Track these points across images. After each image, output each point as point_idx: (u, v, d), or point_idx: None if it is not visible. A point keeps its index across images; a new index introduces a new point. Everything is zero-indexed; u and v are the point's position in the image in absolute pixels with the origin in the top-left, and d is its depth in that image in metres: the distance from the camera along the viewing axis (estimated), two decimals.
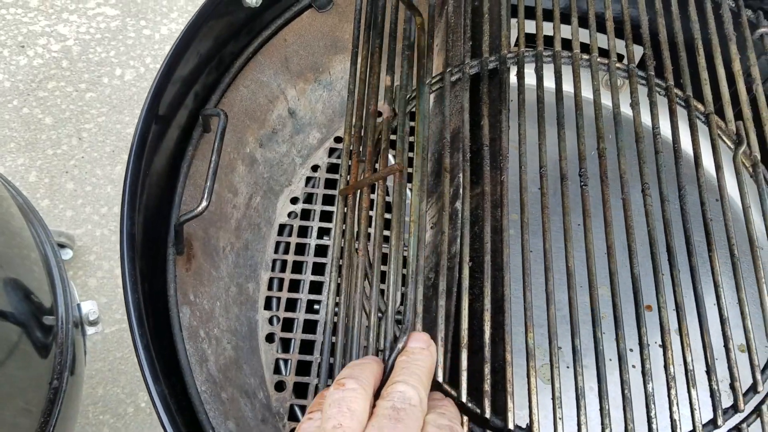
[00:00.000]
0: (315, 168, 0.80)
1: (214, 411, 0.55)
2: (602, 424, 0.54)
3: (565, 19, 0.74)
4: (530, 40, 0.73)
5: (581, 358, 0.56)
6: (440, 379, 0.54)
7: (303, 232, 0.78)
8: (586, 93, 0.74)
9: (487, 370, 0.54)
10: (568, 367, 0.69)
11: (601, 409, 0.54)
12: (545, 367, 0.68)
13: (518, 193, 0.63)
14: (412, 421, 0.40)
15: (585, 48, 0.73)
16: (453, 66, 0.70)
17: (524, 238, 0.61)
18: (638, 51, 0.74)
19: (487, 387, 0.54)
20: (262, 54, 0.71)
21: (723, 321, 0.59)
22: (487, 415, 0.53)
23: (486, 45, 0.71)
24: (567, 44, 0.73)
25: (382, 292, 0.59)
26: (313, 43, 0.74)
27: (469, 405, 0.54)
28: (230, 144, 0.68)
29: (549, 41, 0.74)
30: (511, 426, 0.53)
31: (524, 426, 0.54)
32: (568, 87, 0.71)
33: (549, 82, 0.70)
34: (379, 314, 0.58)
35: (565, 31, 0.74)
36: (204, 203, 0.54)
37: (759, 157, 0.68)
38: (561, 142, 0.66)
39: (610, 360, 0.56)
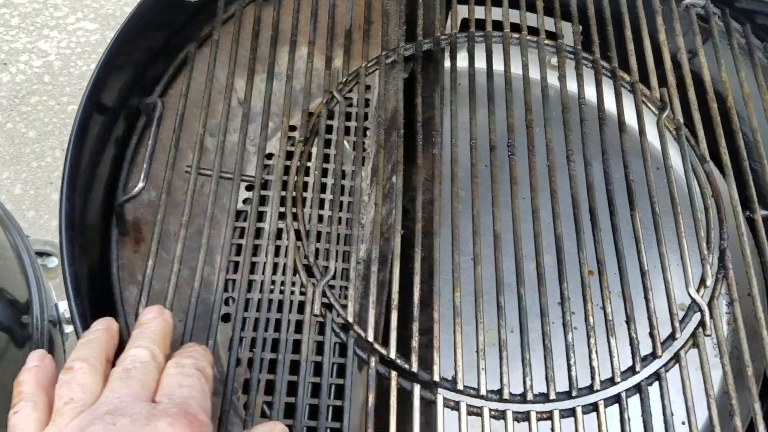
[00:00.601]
0: (270, 156, 0.83)
1: None
2: (524, 373, 0.57)
3: (498, 2, 0.77)
4: (466, 24, 0.77)
5: (505, 314, 0.59)
6: (371, 338, 0.57)
7: (260, 217, 0.81)
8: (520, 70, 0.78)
9: (414, 328, 0.58)
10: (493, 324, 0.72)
11: (523, 359, 0.57)
12: (473, 324, 0.70)
13: (450, 166, 0.66)
14: (143, 375, 0.41)
15: (517, 28, 0.76)
16: (388, 49, 0.74)
17: (453, 205, 0.64)
18: (568, 27, 0.77)
19: (414, 344, 0.57)
20: (207, 46, 0.75)
21: (643, 274, 0.62)
22: (414, 369, 0.56)
23: (420, 29, 0.75)
24: (499, 26, 0.76)
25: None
26: (260, 34, 0.77)
27: (398, 361, 0.57)
28: (181, 133, 0.72)
29: (483, 24, 0.77)
30: (436, 378, 0.56)
31: (449, 378, 0.57)
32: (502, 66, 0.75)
33: (483, 63, 0.73)
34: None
35: (499, 13, 0.78)
36: (140, 185, 0.58)
37: (682, 121, 0.71)
38: (491, 115, 0.70)
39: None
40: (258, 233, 0.67)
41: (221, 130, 0.67)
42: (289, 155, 0.68)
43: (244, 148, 0.67)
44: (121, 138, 0.67)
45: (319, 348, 0.60)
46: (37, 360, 0.44)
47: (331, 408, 0.59)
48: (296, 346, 0.59)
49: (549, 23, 0.77)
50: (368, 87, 0.75)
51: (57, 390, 0.41)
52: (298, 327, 0.60)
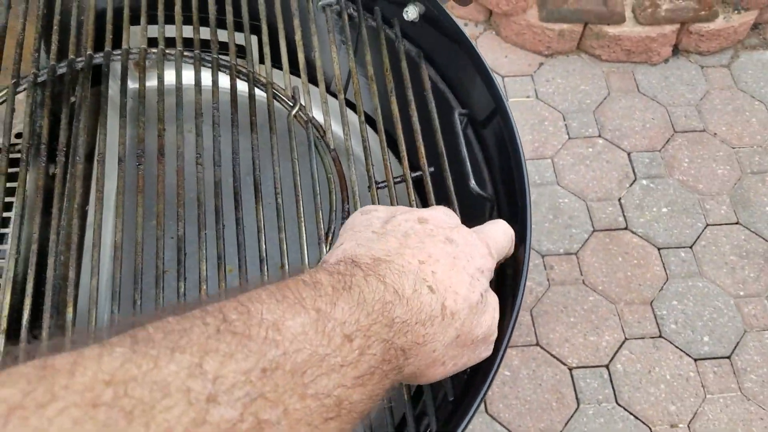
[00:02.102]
0: None
1: None
2: None
3: (137, 21, 0.79)
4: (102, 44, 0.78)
5: (117, 320, 0.60)
6: None
7: None
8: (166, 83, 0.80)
9: (21, 351, 0.58)
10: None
11: None
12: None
13: (74, 183, 0.67)
14: None
15: (170, 43, 0.79)
16: (21, 77, 0.74)
17: (73, 221, 0.65)
18: (221, 36, 0.81)
19: None
20: None
21: (261, 260, 0.65)
22: None
23: (53, 54, 0.75)
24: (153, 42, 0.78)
25: None
26: None
27: None
28: None
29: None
30: None
31: None
32: (152, 81, 0.77)
33: (131, 81, 0.75)
34: None
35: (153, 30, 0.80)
36: None
37: (312, 115, 0.76)
38: (120, 129, 0.71)
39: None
40: None
41: None
42: None
43: None
44: None
45: None
46: None
47: None
48: None
49: (189, 32, 0.80)
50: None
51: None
52: None
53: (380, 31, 0.80)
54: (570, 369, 1.69)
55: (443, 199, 0.66)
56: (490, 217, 0.66)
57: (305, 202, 0.69)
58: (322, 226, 0.68)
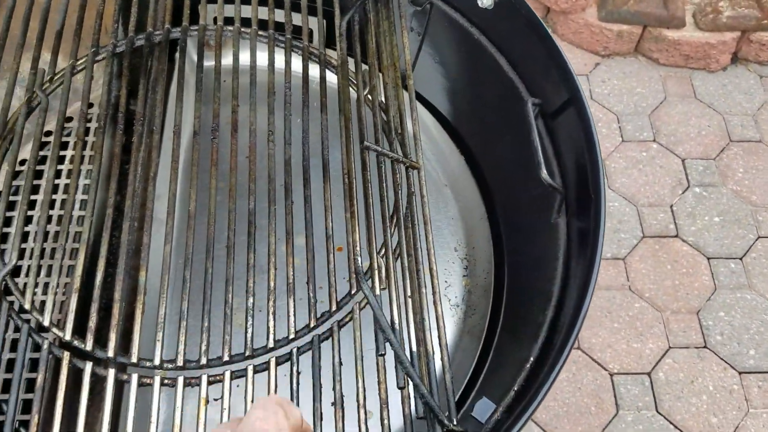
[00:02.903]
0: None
1: None
2: (201, 339, 0.60)
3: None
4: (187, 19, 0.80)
5: (189, 287, 0.62)
6: (46, 323, 0.59)
7: None
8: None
9: (93, 309, 0.60)
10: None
11: (202, 327, 0.60)
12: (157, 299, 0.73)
13: (148, 152, 0.69)
14: None
15: (245, 22, 0.80)
16: (99, 47, 0.76)
17: (148, 189, 0.67)
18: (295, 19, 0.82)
19: (91, 324, 0.59)
20: None
21: (327, 238, 0.66)
22: (89, 348, 0.58)
23: (132, 26, 0.77)
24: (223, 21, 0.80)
25: None
26: None
27: (75, 342, 0.59)
28: None
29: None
30: (111, 354, 0.58)
31: (128, 353, 0.59)
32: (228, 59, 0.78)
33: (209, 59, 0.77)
34: None
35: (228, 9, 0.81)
36: None
37: (380, 99, 0.76)
38: (196, 103, 0.73)
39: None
40: None
41: None
42: None
43: None
44: None
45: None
46: None
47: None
48: None
49: (276, 15, 0.81)
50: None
51: None
52: None
53: (451, 17, 0.80)
54: (611, 374, 1.67)
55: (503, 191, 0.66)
56: (558, 211, 0.65)
57: (372, 184, 0.70)
58: (387, 209, 0.69)
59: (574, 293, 0.58)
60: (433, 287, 0.63)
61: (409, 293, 0.62)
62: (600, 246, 0.57)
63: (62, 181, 0.83)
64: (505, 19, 0.73)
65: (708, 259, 1.88)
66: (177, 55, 0.76)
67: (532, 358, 0.60)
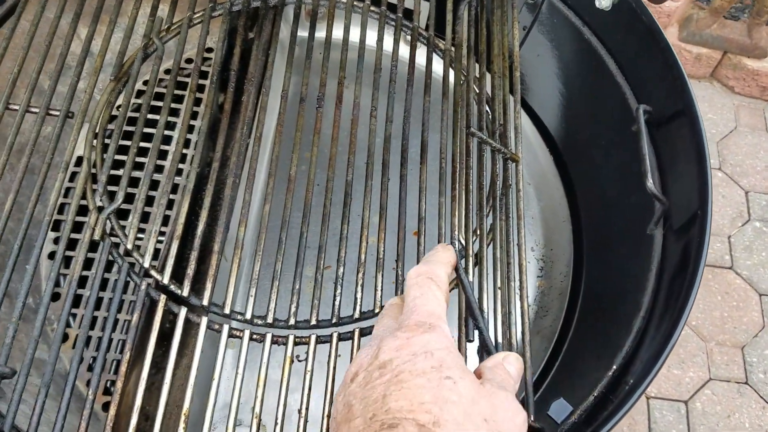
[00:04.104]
0: (118, 107, 0.85)
1: None
2: (291, 300, 0.61)
3: None
4: None
5: (284, 248, 0.63)
6: (146, 264, 0.61)
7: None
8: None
9: (192, 257, 0.61)
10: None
11: (293, 289, 0.61)
12: (253, 256, 0.74)
13: (257, 113, 0.70)
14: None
15: None
16: (217, 3, 0.77)
17: (253, 149, 0.68)
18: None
19: (189, 271, 0.61)
20: None
21: (420, 220, 0.67)
22: (185, 294, 0.60)
23: None
24: None
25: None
26: None
27: (171, 287, 0.60)
28: (8, 71, 0.74)
29: None
30: (206, 303, 0.60)
31: (220, 303, 0.60)
32: (339, 31, 0.79)
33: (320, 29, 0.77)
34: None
35: None
36: None
37: (486, 90, 0.76)
38: (305, 71, 0.74)
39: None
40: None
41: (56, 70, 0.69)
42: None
43: (75, 88, 0.69)
44: None
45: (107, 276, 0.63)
46: None
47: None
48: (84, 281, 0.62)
49: None
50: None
51: None
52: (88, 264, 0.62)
53: (563, 14, 0.80)
54: (647, 397, 1.65)
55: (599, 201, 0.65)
56: (656, 222, 0.64)
57: (472, 171, 0.70)
58: (483, 197, 0.69)
59: (669, 307, 0.57)
60: (521, 282, 0.63)
61: (498, 284, 0.62)
62: (703, 263, 0.57)
63: (171, 133, 0.85)
64: (622, 22, 0.72)
65: (760, 295, 1.84)
66: (281, 21, 0.77)
67: (614, 366, 0.60)
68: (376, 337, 0.47)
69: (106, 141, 0.67)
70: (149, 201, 0.81)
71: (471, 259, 0.64)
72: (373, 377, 0.43)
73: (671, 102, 0.66)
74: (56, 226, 0.85)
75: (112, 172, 0.67)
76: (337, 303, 0.61)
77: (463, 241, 0.65)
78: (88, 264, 0.80)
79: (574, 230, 0.82)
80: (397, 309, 0.51)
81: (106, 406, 0.76)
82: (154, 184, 0.84)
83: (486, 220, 0.68)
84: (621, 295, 0.67)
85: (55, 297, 0.81)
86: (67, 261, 0.83)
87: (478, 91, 0.75)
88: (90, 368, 0.77)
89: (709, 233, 0.58)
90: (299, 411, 0.56)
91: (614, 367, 0.60)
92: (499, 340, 0.59)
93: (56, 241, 0.85)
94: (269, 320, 0.60)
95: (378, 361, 0.44)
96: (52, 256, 0.84)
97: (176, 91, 0.87)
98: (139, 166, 0.84)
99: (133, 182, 0.69)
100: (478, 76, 0.76)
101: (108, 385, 0.77)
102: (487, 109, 0.74)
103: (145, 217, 0.83)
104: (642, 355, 0.58)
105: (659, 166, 0.67)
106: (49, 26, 0.73)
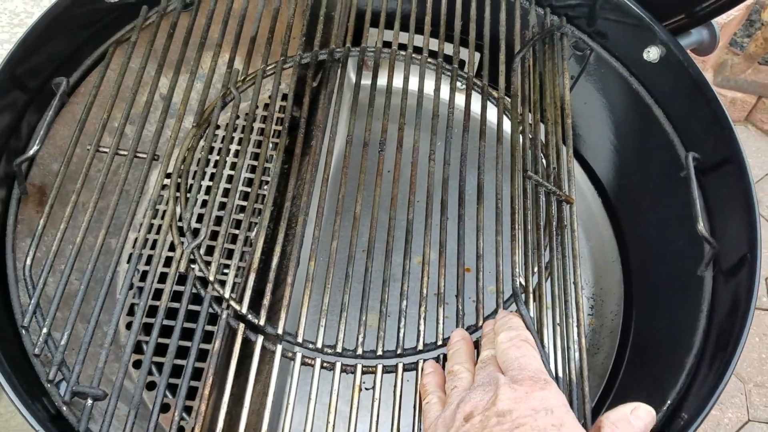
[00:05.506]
0: (190, 149, 0.91)
1: (39, 317, 0.66)
2: (358, 330, 0.65)
3: (390, 25, 0.87)
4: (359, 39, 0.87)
5: (351, 282, 0.67)
6: (227, 295, 0.65)
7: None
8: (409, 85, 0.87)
9: (268, 289, 0.66)
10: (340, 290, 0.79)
11: (360, 320, 0.65)
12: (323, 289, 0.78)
13: (324, 156, 0.75)
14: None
15: (416, 50, 0.86)
16: (287, 56, 0.84)
17: (322, 189, 0.73)
18: (450, 49, 0.88)
19: (265, 302, 0.65)
20: (128, 43, 0.84)
21: (478, 257, 0.70)
22: (262, 323, 0.64)
23: (318, 41, 0.85)
24: (390, 44, 0.86)
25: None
26: (181, 38, 0.86)
27: (249, 316, 0.65)
28: (96, 117, 0.80)
29: (386, 44, 0.87)
30: (280, 332, 0.64)
31: (293, 332, 0.65)
32: (398, 80, 0.84)
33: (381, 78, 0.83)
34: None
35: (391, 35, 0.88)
36: (35, 147, 0.67)
37: (540, 137, 0.81)
38: (368, 117, 0.79)
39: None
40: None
41: (142, 115, 0.76)
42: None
43: (160, 134, 0.75)
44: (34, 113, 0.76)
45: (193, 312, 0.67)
46: (432, 368, 0.61)
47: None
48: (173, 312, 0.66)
49: (435, 45, 0.87)
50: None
51: (447, 384, 0.56)
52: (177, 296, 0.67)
53: (611, 65, 0.84)
54: None
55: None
56: (707, 264, 0.67)
57: (530, 212, 0.74)
58: (540, 237, 0.73)
59: (720, 347, 0.60)
60: (578, 320, 0.66)
61: (557, 321, 0.65)
62: (753, 304, 0.60)
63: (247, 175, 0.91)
64: (670, 75, 0.76)
65: None
66: (346, 72, 0.83)
67: (669, 401, 0.62)
68: (491, 383, 0.50)
69: (190, 182, 0.72)
70: (233, 238, 0.86)
71: (531, 296, 0.68)
72: (490, 423, 0.46)
73: (719, 150, 0.69)
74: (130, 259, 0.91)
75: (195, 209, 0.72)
76: (401, 335, 0.65)
77: (522, 280, 0.68)
78: (157, 294, 0.85)
79: (624, 270, 0.85)
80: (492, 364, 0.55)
81: (182, 429, 0.80)
82: (235, 222, 0.89)
83: (542, 259, 0.72)
84: (672, 335, 0.69)
85: (129, 325, 0.86)
86: (138, 291, 0.88)
87: (532, 137, 0.80)
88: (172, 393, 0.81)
89: (758, 275, 0.61)
90: None
91: (669, 401, 0.62)
92: (559, 374, 0.62)
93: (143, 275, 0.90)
94: (338, 349, 0.64)
95: (496, 408, 0.47)
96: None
97: (251, 136, 0.93)
98: (221, 206, 0.89)
99: (217, 221, 0.74)
100: (531, 123, 0.81)
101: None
102: (541, 153, 0.78)
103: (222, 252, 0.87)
104: (695, 392, 0.61)
105: (707, 211, 0.70)
106: (134, 76, 0.79)
